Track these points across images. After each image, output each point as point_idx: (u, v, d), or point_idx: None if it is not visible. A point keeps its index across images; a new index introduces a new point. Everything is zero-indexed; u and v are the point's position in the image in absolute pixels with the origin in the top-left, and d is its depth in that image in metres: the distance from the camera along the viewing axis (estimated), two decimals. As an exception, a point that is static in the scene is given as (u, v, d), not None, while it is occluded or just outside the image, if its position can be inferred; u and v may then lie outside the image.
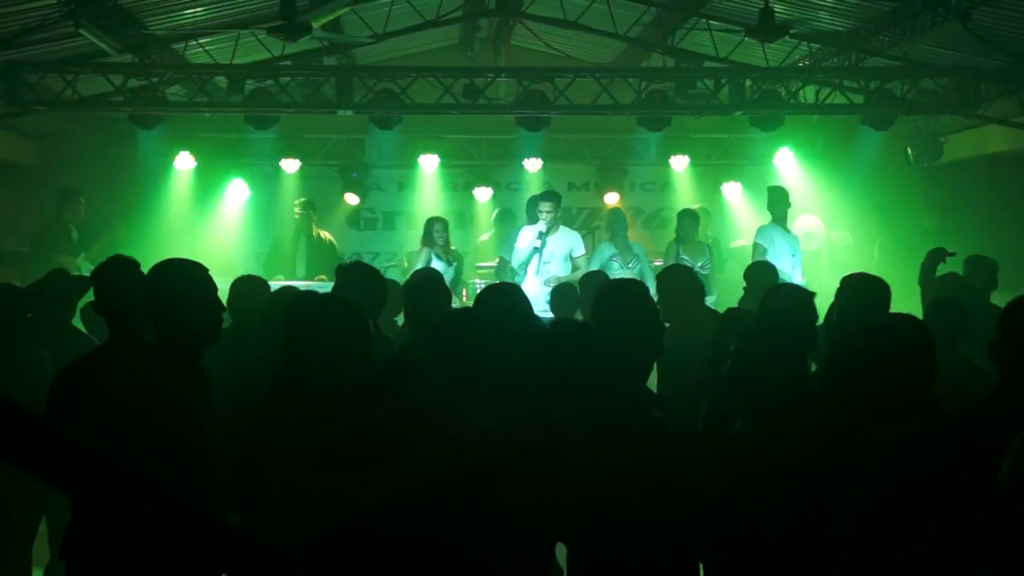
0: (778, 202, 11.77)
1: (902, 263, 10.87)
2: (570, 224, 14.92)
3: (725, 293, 11.82)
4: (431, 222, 11.68)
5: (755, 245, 11.47)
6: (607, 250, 12.04)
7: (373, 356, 3.92)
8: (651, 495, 3.66)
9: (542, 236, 11.18)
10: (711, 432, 4.41)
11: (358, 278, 5.70)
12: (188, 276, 4.19)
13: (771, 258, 10.59)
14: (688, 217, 12.13)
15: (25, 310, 6.40)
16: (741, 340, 4.24)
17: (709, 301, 8.53)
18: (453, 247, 12.87)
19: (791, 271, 11.28)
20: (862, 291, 5.19)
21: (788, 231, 11.76)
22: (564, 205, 15.13)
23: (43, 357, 6.23)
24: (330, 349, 3.75)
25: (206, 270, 4.27)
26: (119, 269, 4.60)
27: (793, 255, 11.52)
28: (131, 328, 4.48)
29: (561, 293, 8.18)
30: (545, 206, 11.25)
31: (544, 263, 11.17)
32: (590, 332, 4.25)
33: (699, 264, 11.49)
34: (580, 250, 11.46)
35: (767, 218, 12.73)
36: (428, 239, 11.51)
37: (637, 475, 3.65)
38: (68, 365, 4.51)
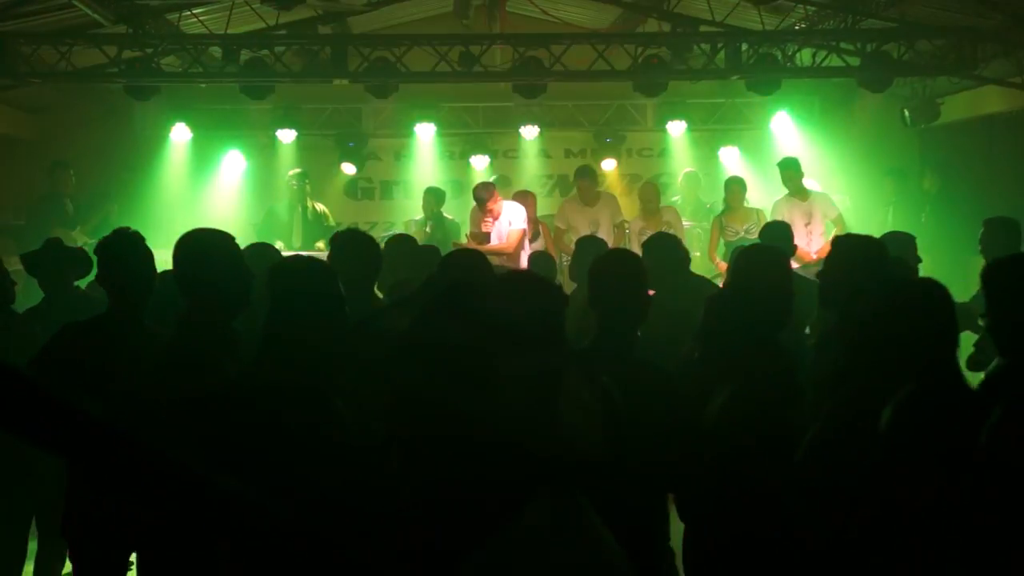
0: (787, 171, 11.80)
1: (915, 226, 10.89)
2: (567, 191, 14.93)
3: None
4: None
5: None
6: (635, 225, 12.13)
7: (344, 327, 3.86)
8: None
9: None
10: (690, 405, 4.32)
11: (352, 246, 5.69)
12: (215, 244, 4.31)
13: None
14: (734, 183, 12.17)
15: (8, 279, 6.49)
16: (707, 309, 4.13)
17: None
18: (450, 216, 12.89)
19: (807, 239, 11.37)
20: (855, 252, 5.13)
21: (803, 200, 11.76)
22: (561, 173, 15.22)
23: (29, 324, 6.33)
24: (308, 319, 3.68)
25: (232, 238, 4.36)
26: (127, 243, 4.69)
27: (807, 223, 11.57)
28: (133, 301, 4.59)
29: (537, 262, 8.19)
30: (487, 204, 11.27)
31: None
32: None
33: (744, 229, 11.53)
34: (518, 223, 11.33)
35: (767, 184, 12.73)
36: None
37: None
38: (66, 327, 4.63)
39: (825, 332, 5.17)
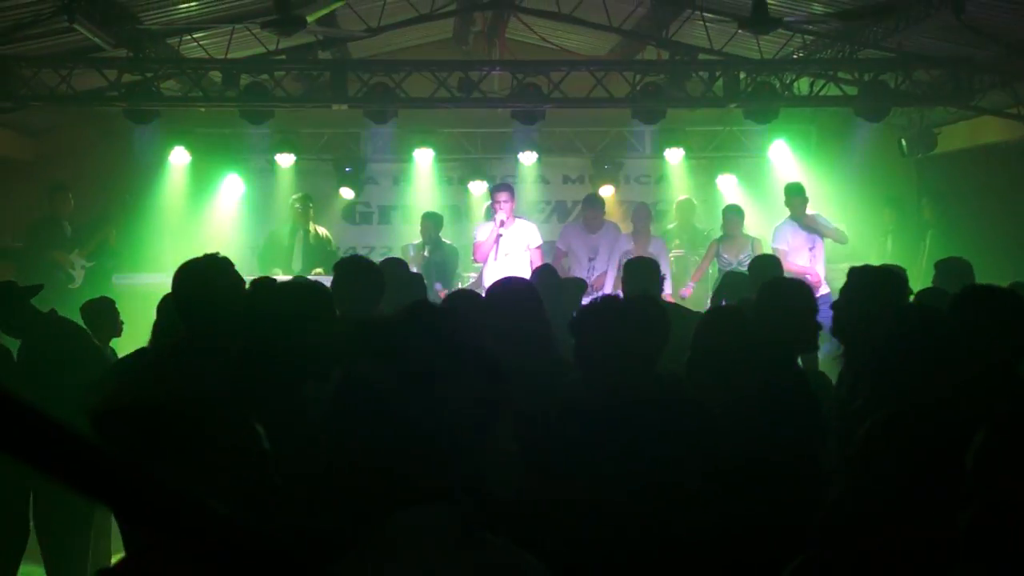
0: (791, 195, 11.85)
1: (913, 254, 10.94)
2: (565, 217, 14.95)
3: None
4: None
5: (773, 250, 11.40)
6: (625, 244, 12.15)
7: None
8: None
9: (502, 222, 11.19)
10: None
11: (355, 271, 5.73)
12: (216, 271, 4.27)
13: (791, 256, 11.09)
14: (731, 212, 12.23)
15: None
16: (703, 330, 4.14)
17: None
18: (448, 241, 12.91)
19: (810, 265, 11.43)
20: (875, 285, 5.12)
21: (805, 225, 11.80)
22: (559, 199, 15.24)
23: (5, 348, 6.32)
24: (290, 336, 3.72)
25: (232, 264, 4.34)
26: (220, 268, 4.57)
27: (811, 248, 11.62)
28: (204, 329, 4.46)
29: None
30: (502, 195, 11.23)
31: (504, 254, 11.15)
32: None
33: (740, 258, 11.56)
34: (536, 241, 11.35)
35: (765, 211, 12.76)
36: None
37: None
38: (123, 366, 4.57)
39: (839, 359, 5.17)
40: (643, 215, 12.68)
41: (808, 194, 12.26)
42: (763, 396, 3.98)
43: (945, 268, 7.75)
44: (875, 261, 12.83)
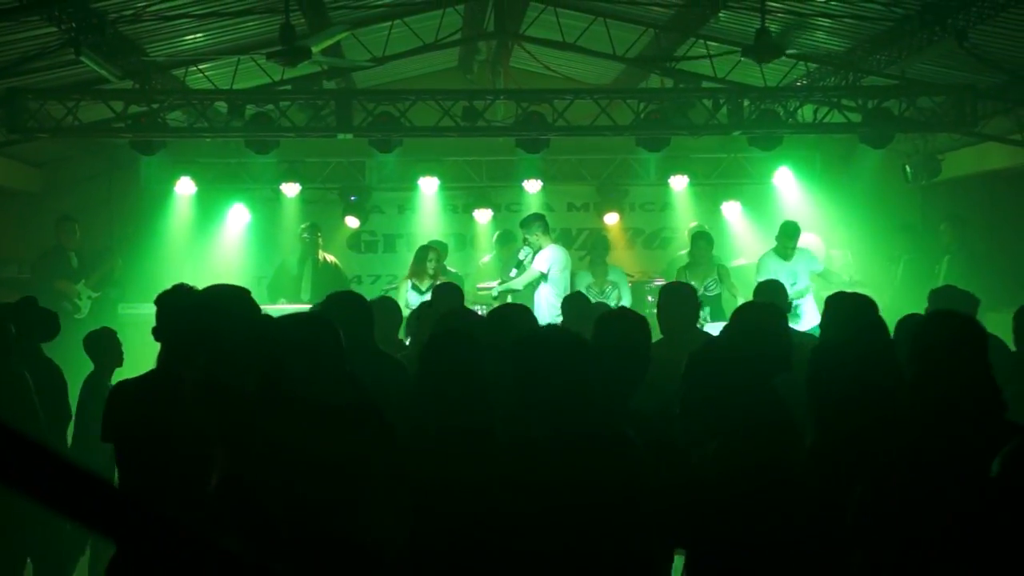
0: (783, 235, 11.89)
1: (926, 280, 10.92)
2: (570, 245, 14.94)
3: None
4: (424, 250, 11.90)
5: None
6: (585, 278, 12.20)
7: (349, 372, 3.94)
8: (618, 512, 3.68)
9: (519, 264, 11.34)
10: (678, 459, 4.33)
11: (340, 303, 5.74)
12: (235, 301, 4.28)
13: None
14: (701, 239, 12.24)
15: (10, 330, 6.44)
16: (691, 363, 4.15)
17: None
18: (453, 270, 12.90)
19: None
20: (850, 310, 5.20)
21: (790, 260, 11.79)
22: (564, 226, 15.21)
23: (24, 377, 6.29)
24: (304, 366, 3.74)
25: (248, 292, 4.35)
26: (183, 297, 4.55)
27: (793, 284, 11.60)
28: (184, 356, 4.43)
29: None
30: (524, 231, 11.50)
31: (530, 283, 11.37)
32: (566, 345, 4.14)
33: (706, 283, 11.58)
34: (538, 263, 11.61)
35: (768, 238, 12.77)
36: (419, 267, 11.65)
37: (604, 493, 3.68)
38: (123, 383, 4.58)
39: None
40: (599, 245, 12.74)
41: (812, 220, 12.24)
42: (739, 437, 4.00)
43: (937, 298, 7.65)
44: (885, 288, 12.90)
